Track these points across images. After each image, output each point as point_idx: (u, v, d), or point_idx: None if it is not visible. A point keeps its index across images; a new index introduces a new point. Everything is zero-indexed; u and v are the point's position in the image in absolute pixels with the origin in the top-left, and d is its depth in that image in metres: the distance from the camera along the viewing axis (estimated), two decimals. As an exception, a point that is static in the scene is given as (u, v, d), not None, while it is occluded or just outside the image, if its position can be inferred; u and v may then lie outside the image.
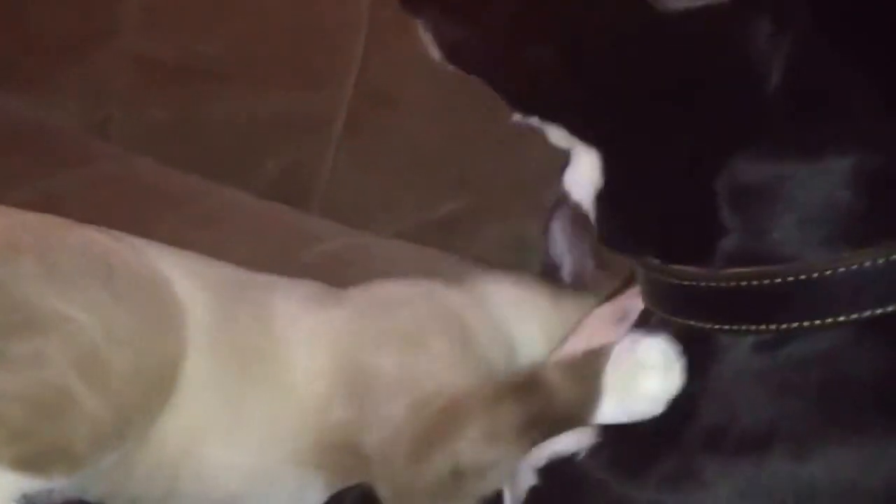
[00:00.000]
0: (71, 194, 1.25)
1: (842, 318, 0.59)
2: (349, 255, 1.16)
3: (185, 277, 0.82)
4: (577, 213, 0.94)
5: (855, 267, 0.58)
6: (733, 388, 0.61)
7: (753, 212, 0.60)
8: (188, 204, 1.26)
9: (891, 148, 0.58)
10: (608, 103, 0.62)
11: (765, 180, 0.59)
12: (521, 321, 0.89)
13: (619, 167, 0.63)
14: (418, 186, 1.24)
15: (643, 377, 0.63)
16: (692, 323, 0.63)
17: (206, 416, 0.79)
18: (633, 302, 0.70)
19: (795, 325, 0.60)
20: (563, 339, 0.79)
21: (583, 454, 0.65)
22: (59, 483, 0.72)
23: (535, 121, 0.66)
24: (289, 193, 1.32)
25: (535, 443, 0.68)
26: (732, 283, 0.61)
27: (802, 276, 0.59)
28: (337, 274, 0.99)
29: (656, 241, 0.64)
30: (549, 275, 0.94)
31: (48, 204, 0.91)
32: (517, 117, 0.67)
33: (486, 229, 1.20)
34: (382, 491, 0.76)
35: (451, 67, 0.68)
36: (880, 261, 0.58)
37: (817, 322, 0.59)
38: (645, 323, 0.68)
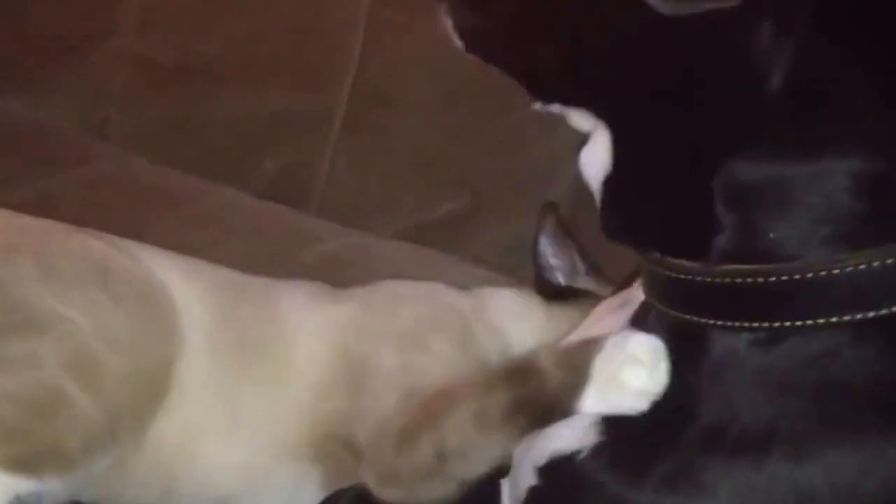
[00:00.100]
0: (69, 194, 1.25)
1: (840, 319, 0.59)
2: (349, 256, 1.16)
3: (184, 280, 0.83)
4: (561, 224, 0.97)
5: (853, 268, 0.58)
6: (731, 386, 0.61)
7: (752, 211, 0.59)
8: (187, 204, 1.26)
9: (891, 149, 0.58)
10: (609, 102, 0.63)
11: (764, 180, 0.59)
12: (517, 331, 0.92)
13: (622, 159, 0.63)
14: (418, 186, 1.24)
15: (628, 371, 0.64)
16: (688, 317, 0.63)
17: (205, 414, 0.80)
18: (637, 292, 0.71)
19: (789, 323, 0.60)
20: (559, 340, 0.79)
21: (584, 454, 0.65)
22: (50, 484, 0.72)
23: (555, 108, 0.66)
24: (287, 193, 1.32)
25: (522, 430, 0.69)
26: (727, 280, 0.61)
27: (797, 276, 0.59)
28: (337, 274, 1.00)
29: (655, 234, 0.64)
30: (544, 279, 0.98)
31: (47, 204, 0.92)
32: (538, 105, 0.67)
33: (486, 229, 1.20)
34: (369, 476, 0.76)
35: (471, 56, 0.67)
36: (879, 263, 0.58)
37: (811, 322, 0.59)
38: (644, 315, 0.68)
